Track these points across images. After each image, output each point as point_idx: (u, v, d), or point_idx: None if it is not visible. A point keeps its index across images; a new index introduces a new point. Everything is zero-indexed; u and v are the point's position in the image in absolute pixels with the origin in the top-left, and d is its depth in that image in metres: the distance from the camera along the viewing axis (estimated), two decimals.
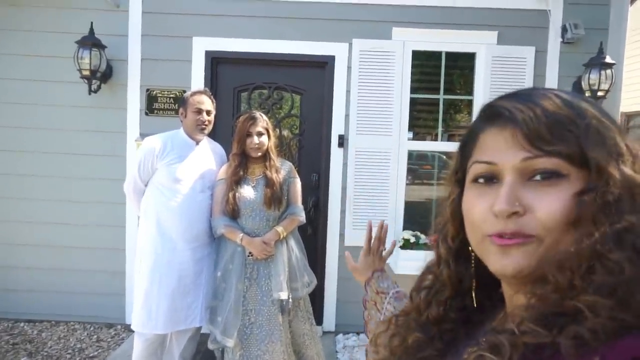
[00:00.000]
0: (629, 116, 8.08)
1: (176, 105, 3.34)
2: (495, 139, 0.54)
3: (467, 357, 0.49)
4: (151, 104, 3.42)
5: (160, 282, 2.45)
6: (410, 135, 3.54)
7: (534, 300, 0.48)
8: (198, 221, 2.51)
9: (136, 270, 2.59)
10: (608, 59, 3.22)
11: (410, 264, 3.24)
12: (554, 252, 0.49)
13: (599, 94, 3.27)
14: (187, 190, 2.49)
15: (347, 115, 3.44)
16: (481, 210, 0.53)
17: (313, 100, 3.56)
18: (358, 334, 3.47)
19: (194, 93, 2.58)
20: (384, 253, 1.05)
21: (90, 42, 3.17)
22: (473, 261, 0.62)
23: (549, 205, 0.49)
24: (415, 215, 3.56)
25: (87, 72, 3.20)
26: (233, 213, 2.43)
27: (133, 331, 2.56)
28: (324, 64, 3.46)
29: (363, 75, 3.41)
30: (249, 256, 2.43)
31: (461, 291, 0.64)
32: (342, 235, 3.48)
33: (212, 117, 2.60)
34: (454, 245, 0.63)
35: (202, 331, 2.66)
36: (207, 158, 2.60)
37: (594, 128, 0.50)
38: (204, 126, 2.55)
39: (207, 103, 2.56)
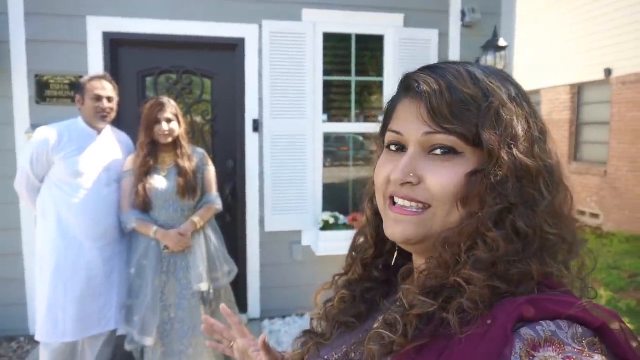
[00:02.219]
0: None
1: (72, 92, 3.04)
2: (406, 110, 0.57)
3: (369, 337, 0.52)
4: (42, 91, 3.08)
5: (65, 286, 2.26)
6: (325, 117, 3.57)
7: (424, 274, 0.52)
8: (105, 217, 2.33)
9: (37, 276, 2.37)
10: (502, 42, 3.47)
11: (330, 244, 3.30)
12: (442, 225, 0.53)
13: None
14: (91, 184, 2.30)
15: (260, 99, 3.37)
16: (384, 175, 0.58)
17: (225, 85, 3.44)
18: (284, 317, 3.48)
19: (92, 78, 2.37)
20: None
21: None
22: None
23: (439, 179, 0.53)
24: (334, 197, 3.62)
25: None
26: (144, 206, 2.29)
27: (38, 342, 2.35)
28: (235, 47, 3.34)
29: (275, 58, 3.35)
30: (164, 250, 2.31)
31: (384, 251, 0.68)
32: (262, 221, 3.44)
33: (114, 104, 2.41)
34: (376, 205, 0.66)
35: (119, 333, 2.50)
36: (111, 148, 2.42)
37: (494, 110, 0.52)
38: (105, 114, 2.35)
39: (107, 89, 2.36)
